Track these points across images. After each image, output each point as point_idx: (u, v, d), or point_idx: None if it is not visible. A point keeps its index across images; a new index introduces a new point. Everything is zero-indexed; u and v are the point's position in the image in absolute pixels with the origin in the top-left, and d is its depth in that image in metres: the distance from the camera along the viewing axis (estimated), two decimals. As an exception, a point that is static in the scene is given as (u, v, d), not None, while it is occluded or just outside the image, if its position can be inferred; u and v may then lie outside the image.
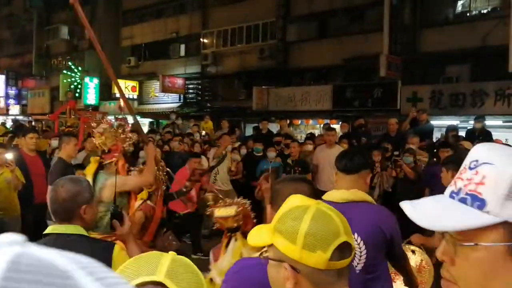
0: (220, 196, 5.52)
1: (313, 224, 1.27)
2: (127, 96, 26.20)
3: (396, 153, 8.84)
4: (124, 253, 2.41)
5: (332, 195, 2.90)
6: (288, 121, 14.75)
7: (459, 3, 16.28)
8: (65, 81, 28.35)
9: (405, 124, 10.72)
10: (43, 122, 15.48)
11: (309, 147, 9.85)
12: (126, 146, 3.99)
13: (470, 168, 0.96)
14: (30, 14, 35.48)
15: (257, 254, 1.87)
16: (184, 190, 7.69)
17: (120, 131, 4.05)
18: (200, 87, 24.79)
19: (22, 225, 6.60)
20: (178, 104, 24.70)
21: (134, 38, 28.42)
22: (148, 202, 4.48)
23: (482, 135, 9.55)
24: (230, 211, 3.62)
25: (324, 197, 2.88)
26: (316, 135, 12.39)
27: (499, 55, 12.71)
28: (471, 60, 15.41)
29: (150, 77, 26.58)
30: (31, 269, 0.43)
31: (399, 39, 15.87)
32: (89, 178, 3.74)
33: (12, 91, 36.58)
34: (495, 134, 10.51)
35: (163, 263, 1.10)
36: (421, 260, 4.06)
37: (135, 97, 26.93)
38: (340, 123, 12.78)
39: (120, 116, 16.51)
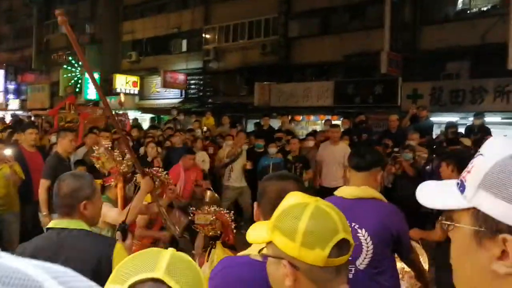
0: (216, 194, 5.56)
1: (312, 222, 1.28)
2: (128, 91, 26.32)
3: (396, 149, 8.85)
4: (124, 252, 2.41)
5: (343, 191, 3.03)
6: (289, 117, 14.75)
7: (459, 1, 16.28)
8: (65, 76, 28.29)
9: (406, 121, 10.73)
10: (43, 118, 15.45)
11: (310, 143, 9.87)
12: (123, 168, 3.97)
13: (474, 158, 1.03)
14: (30, 9, 35.42)
15: None
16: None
17: (116, 153, 4.06)
18: (201, 82, 24.72)
19: (21, 221, 6.61)
20: (180, 100, 24.68)
21: (135, 33, 28.33)
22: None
23: (481, 132, 9.57)
24: (207, 218, 3.69)
25: (336, 193, 3.06)
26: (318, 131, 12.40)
27: (499, 52, 12.72)
28: (471, 58, 15.43)
29: (151, 72, 26.51)
30: (5, 280, 0.44)
31: (399, 36, 15.89)
32: None
33: (11, 86, 36.54)
34: (494, 131, 10.51)
35: (162, 259, 1.09)
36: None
37: (136, 92, 26.89)
38: (342, 119, 12.79)
39: (120, 112, 16.49)
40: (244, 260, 1.85)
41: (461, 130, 10.59)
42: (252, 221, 1.77)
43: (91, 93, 25.48)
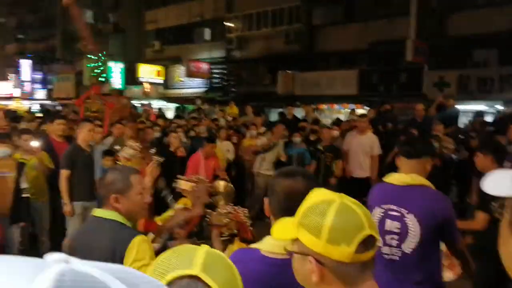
0: (230, 184, 5.54)
1: (337, 218, 1.28)
2: (152, 80, 26.49)
3: (421, 139, 8.74)
4: (145, 244, 2.44)
5: (393, 177, 3.15)
6: (313, 106, 14.68)
7: (488, -14, 15.96)
8: (88, 65, 28.51)
9: (432, 110, 10.59)
10: (70, 108, 15.68)
11: (335, 132, 9.79)
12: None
13: None
14: (54, -2, 35.75)
15: None
16: None
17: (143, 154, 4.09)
18: (225, 72, 24.75)
19: (51, 208, 6.75)
20: (203, 89, 24.76)
21: (158, 22, 28.43)
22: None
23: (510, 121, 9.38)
24: (221, 220, 3.70)
25: (385, 179, 3.20)
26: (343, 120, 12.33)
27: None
28: (499, 45, 15.13)
29: (174, 61, 26.63)
30: (75, 284, 0.48)
31: (426, 23, 15.64)
32: None
33: (37, 76, 36.96)
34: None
35: (198, 256, 1.11)
36: None
37: (160, 81, 27.03)
38: (368, 108, 12.70)
39: (145, 102, 16.60)
40: (254, 255, 1.87)
41: (490, 118, 10.44)
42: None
43: (116, 82, 25.67)
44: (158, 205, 5.42)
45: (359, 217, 1.30)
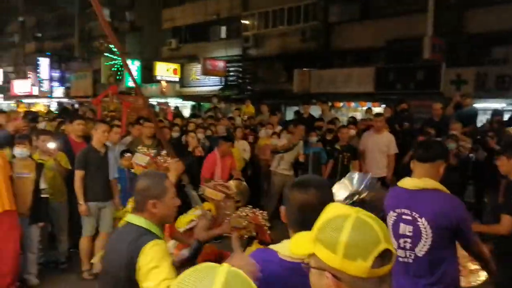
0: (244, 183, 5.54)
1: (353, 233, 1.29)
2: (169, 78, 26.55)
3: (438, 139, 8.68)
4: (156, 247, 2.44)
5: (405, 182, 3.21)
6: (330, 104, 14.60)
7: (507, -18, 15.75)
8: (106, 64, 28.69)
9: (449, 109, 10.47)
10: (86, 105, 15.78)
11: (352, 132, 9.74)
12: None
13: None
14: (71, -3, 35.96)
15: None
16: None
17: (162, 160, 4.10)
18: (241, 69, 24.74)
19: (69, 209, 6.83)
20: (219, 87, 24.77)
21: (175, 20, 28.47)
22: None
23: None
24: (240, 222, 3.72)
25: (399, 183, 3.26)
26: (359, 119, 12.26)
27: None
28: (518, 42, 14.94)
29: (191, 59, 26.68)
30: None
31: (443, 20, 15.47)
32: None
33: (55, 74, 37.26)
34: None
35: (219, 275, 1.11)
36: None
37: (177, 80, 27.12)
38: (384, 107, 12.61)
39: (161, 101, 16.65)
40: (272, 258, 1.90)
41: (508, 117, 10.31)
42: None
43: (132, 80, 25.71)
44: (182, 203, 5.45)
45: (375, 232, 1.31)
